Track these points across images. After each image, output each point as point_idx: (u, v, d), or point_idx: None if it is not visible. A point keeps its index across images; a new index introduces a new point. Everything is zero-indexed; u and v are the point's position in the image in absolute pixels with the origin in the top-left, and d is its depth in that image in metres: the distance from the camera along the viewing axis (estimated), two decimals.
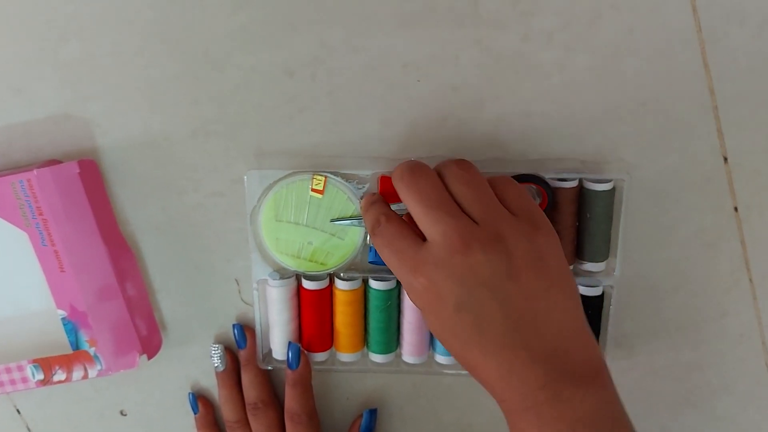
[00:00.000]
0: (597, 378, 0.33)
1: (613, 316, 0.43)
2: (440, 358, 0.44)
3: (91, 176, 0.42)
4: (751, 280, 0.44)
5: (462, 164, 0.36)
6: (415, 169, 0.35)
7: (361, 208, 0.39)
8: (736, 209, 0.43)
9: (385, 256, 0.36)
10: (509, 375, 0.32)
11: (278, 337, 0.44)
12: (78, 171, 0.40)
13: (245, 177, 0.42)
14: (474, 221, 0.33)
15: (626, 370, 0.46)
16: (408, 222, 0.36)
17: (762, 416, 0.47)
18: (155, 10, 0.40)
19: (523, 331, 0.32)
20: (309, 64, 0.41)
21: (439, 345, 0.44)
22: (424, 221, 0.34)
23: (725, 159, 0.42)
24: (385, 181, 0.41)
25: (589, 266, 0.42)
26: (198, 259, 0.45)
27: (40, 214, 0.40)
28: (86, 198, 0.41)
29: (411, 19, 0.40)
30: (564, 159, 0.42)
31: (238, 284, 0.45)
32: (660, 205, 0.43)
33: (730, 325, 0.45)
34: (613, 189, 0.41)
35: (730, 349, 0.46)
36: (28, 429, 0.49)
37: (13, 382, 0.43)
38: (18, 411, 0.48)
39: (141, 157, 0.43)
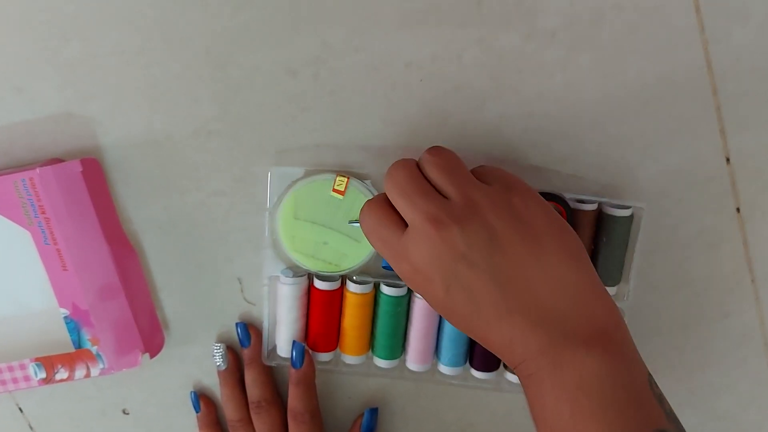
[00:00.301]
0: (602, 339, 0.31)
1: None
2: (444, 368, 0.44)
3: (93, 175, 0.42)
4: (753, 280, 0.44)
5: (434, 150, 0.36)
6: (394, 163, 0.36)
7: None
8: (738, 210, 0.43)
9: (373, 244, 0.36)
10: (512, 343, 0.32)
11: (284, 335, 0.44)
12: (80, 169, 0.40)
13: (269, 173, 0.42)
14: (446, 198, 0.34)
15: None
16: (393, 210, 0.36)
17: (763, 416, 0.47)
18: (156, 10, 0.40)
19: (518, 297, 0.32)
20: (311, 63, 0.41)
21: (443, 355, 0.44)
22: (402, 209, 0.34)
23: (727, 159, 0.42)
24: None
25: None
26: (200, 258, 0.45)
27: (43, 213, 0.40)
28: (89, 196, 0.41)
29: (413, 18, 0.40)
30: (582, 178, 0.42)
31: (240, 283, 0.45)
32: (662, 205, 0.43)
33: (732, 325, 0.45)
34: (632, 216, 0.41)
35: (732, 349, 0.45)
36: (31, 427, 0.49)
37: (15, 380, 0.43)
38: (20, 409, 0.48)
39: (143, 156, 0.43)
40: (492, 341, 0.33)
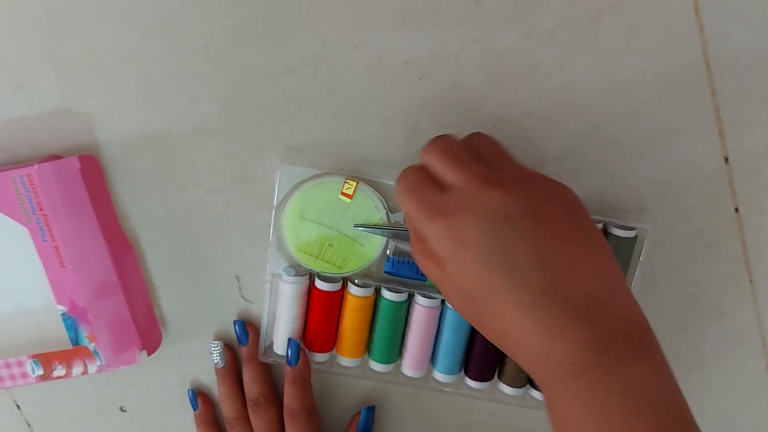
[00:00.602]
0: (645, 340, 0.29)
1: None
2: (439, 376, 0.44)
3: (91, 172, 0.42)
4: (751, 280, 0.44)
5: (484, 134, 0.36)
6: (437, 136, 0.35)
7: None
8: (736, 210, 0.43)
9: (403, 201, 0.33)
10: (547, 334, 0.28)
11: (283, 332, 0.44)
12: (78, 166, 0.40)
13: (277, 171, 0.42)
14: (495, 168, 0.33)
15: None
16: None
17: (762, 416, 0.47)
18: (155, 6, 0.40)
19: (557, 277, 0.28)
20: (310, 61, 0.41)
21: (439, 363, 0.44)
22: (445, 171, 0.32)
23: (726, 159, 0.42)
24: None
25: None
26: (198, 255, 0.45)
27: (41, 210, 0.40)
28: (87, 193, 0.41)
29: (412, 17, 0.40)
30: (589, 200, 0.42)
31: (238, 281, 0.45)
32: (660, 205, 0.43)
33: (730, 325, 0.45)
34: (636, 237, 0.41)
35: (730, 349, 0.45)
36: (28, 424, 0.49)
37: (12, 377, 0.43)
38: (18, 406, 0.48)
39: (141, 153, 0.43)
40: (522, 330, 0.29)
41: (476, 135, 0.36)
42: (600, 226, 0.41)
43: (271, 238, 0.43)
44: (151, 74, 0.41)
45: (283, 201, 0.42)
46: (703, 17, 0.39)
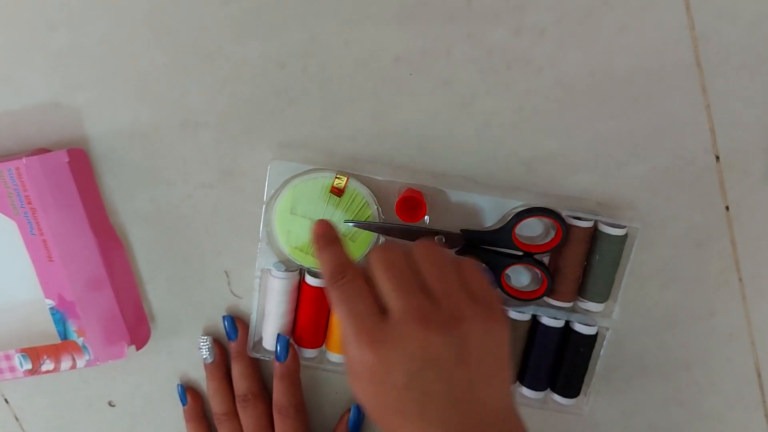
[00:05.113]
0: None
1: (604, 358, 0.44)
2: None
3: (80, 165, 0.42)
4: (740, 279, 0.44)
5: (428, 243, 0.35)
6: (386, 244, 0.35)
7: (314, 236, 0.37)
8: (727, 208, 0.43)
9: (341, 314, 0.33)
10: None
11: (271, 328, 0.44)
12: (67, 160, 0.40)
13: (268, 166, 0.41)
14: (435, 299, 0.33)
15: (615, 369, 0.46)
16: (371, 288, 0.34)
17: (749, 415, 0.47)
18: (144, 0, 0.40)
19: (462, 414, 0.31)
20: (300, 56, 0.40)
21: None
22: (387, 294, 0.33)
23: (717, 157, 0.42)
24: (407, 200, 0.40)
25: (589, 305, 0.43)
26: (187, 250, 0.45)
27: (29, 203, 0.40)
28: (75, 187, 0.41)
29: (403, 12, 0.39)
30: (581, 198, 0.42)
31: (227, 276, 0.45)
32: (650, 203, 0.43)
33: (719, 324, 0.45)
34: (626, 235, 0.41)
35: (719, 348, 0.46)
36: (16, 418, 0.49)
37: (0, 371, 0.43)
38: (6, 400, 0.48)
39: (130, 147, 0.43)
40: None
41: (419, 248, 0.35)
42: (590, 223, 0.41)
43: (261, 233, 0.43)
44: (140, 68, 0.41)
45: (274, 196, 0.42)
46: (695, 15, 0.39)
